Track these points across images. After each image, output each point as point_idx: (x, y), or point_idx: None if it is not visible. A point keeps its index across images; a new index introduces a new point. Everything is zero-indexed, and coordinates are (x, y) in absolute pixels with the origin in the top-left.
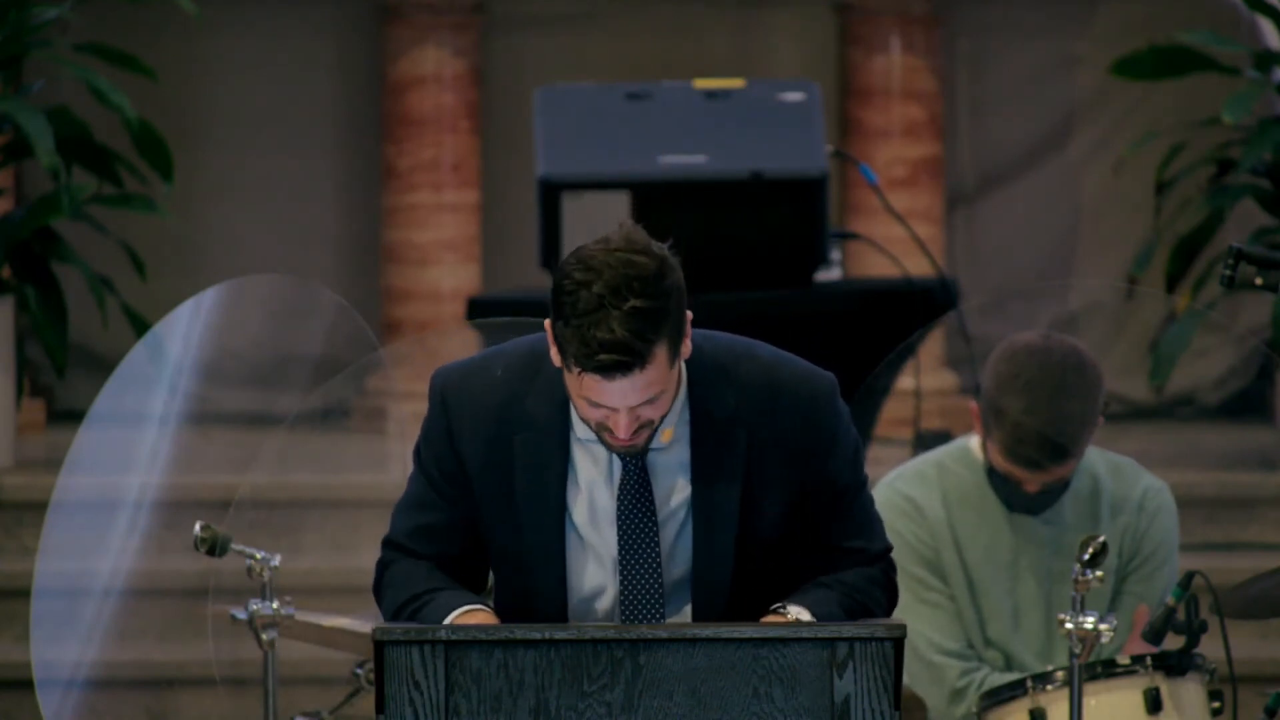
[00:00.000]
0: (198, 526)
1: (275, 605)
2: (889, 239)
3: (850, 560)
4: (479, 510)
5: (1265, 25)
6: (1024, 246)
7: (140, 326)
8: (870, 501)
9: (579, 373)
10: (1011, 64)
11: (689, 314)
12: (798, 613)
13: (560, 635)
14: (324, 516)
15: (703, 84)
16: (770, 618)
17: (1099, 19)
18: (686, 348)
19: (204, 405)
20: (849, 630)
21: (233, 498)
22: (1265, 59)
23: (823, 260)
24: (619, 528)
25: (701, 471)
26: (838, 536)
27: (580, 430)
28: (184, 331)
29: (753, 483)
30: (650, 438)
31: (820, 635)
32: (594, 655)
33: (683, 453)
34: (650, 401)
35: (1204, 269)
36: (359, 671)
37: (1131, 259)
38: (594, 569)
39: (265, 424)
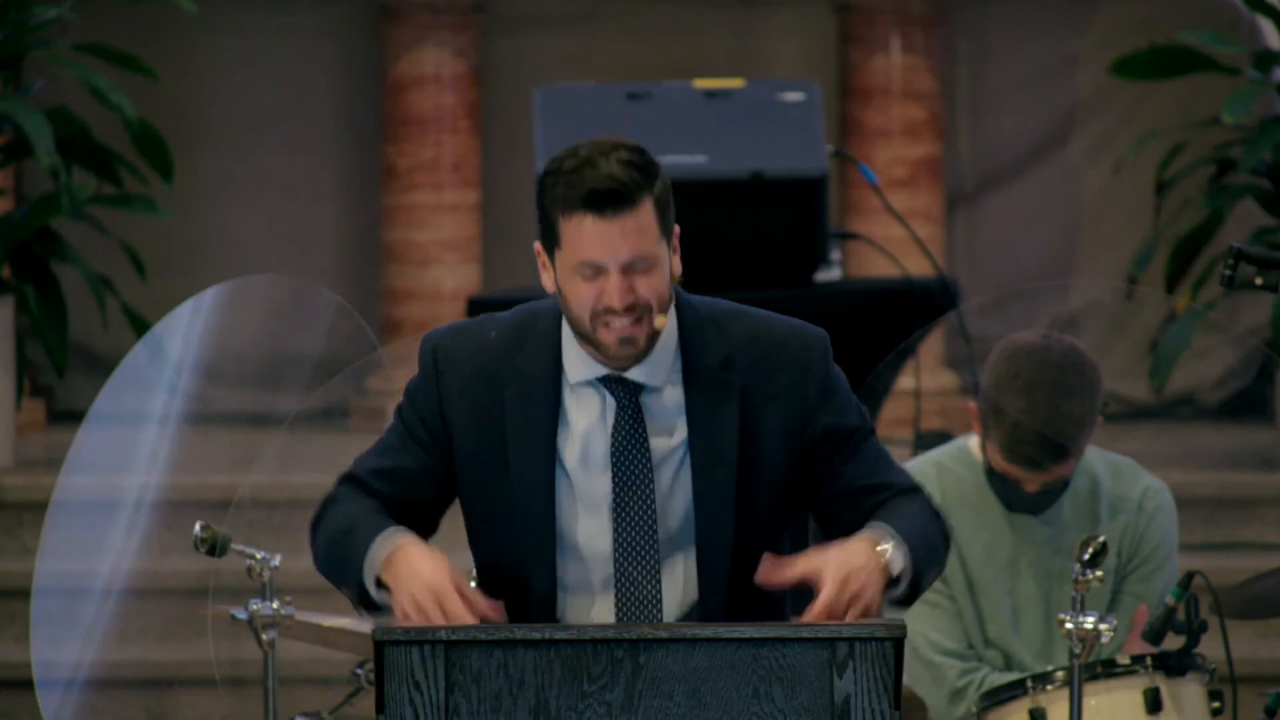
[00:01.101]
0: (198, 526)
1: (275, 605)
2: (889, 239)
3: (878, 498)
4: (461, 473)
5: (1265, 25)
6: (1024, 246)
7: (140, 326)
8: (883, 447)
9: (569, 219)
10: (1011, 64)
11: (676, 229)
12: (881, 534)
13: (560, 635)
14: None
15: (703, 84)
16: (860, 541)
17: (1099, 19)
18: (677, 263)
19: (204, 405)
20: (849, 630)
21: (233, 498)
22: (1265, 59)
23: (823, 260)
24: (613, 469)
25: (698, 416)
26: (859, 478)
27: (574, 374)
28: (184, 331)
29: (749, 431)
30: (649, 337)
31: (820, 635)
32: (594, 655)
33: (676, 396)
34: (642, 270)
35: (1204, 269)
36: (359, 671)
37: (1131, 259)
38: (586, 517)
39: (265, 424)
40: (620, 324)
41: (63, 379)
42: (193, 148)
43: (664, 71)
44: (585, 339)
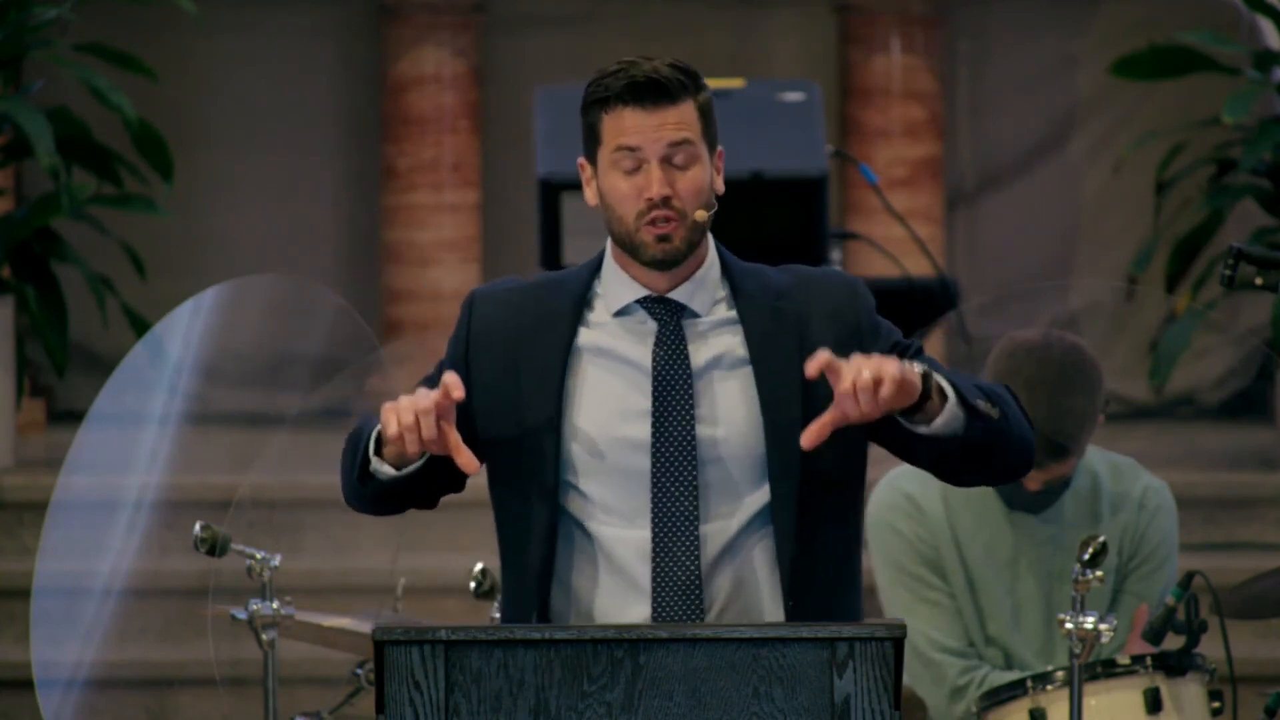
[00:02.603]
0: (198, 526)
1: (275, 605)
2: (889, 239)
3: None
4: (477, 401)
5: (1265, 25)
6: (1024, 246)
7: (140, 326)
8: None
9: (611, 112)
10: (1011, 64)
11: (720, 150)
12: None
13: (560, 635)
14: (324, 516)
15: None
16: (904, 369)
17: (1099, 19)
18: (719, 182)
19: (204, 405)
20: (849, 630)
21: (233, 498)
22: (1265, 59)
23: (823, 260)
24: (654, 376)
25: (754, 332)
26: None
27: (616, 300)
28: (184, 331)
29: (808, 353)
30: (687, 241)
31: (820, 635)
32: (594, 655)
33: (725, 315)
34: (681, 166)
35: (1204, 269)
36: (359, 671)
37: (1131, 259)
38: (624, 433)
39: (265, 424)
40: (660, 218)
41: (63, 379)
42: (193, 148)
43: None
44: (625, 244)
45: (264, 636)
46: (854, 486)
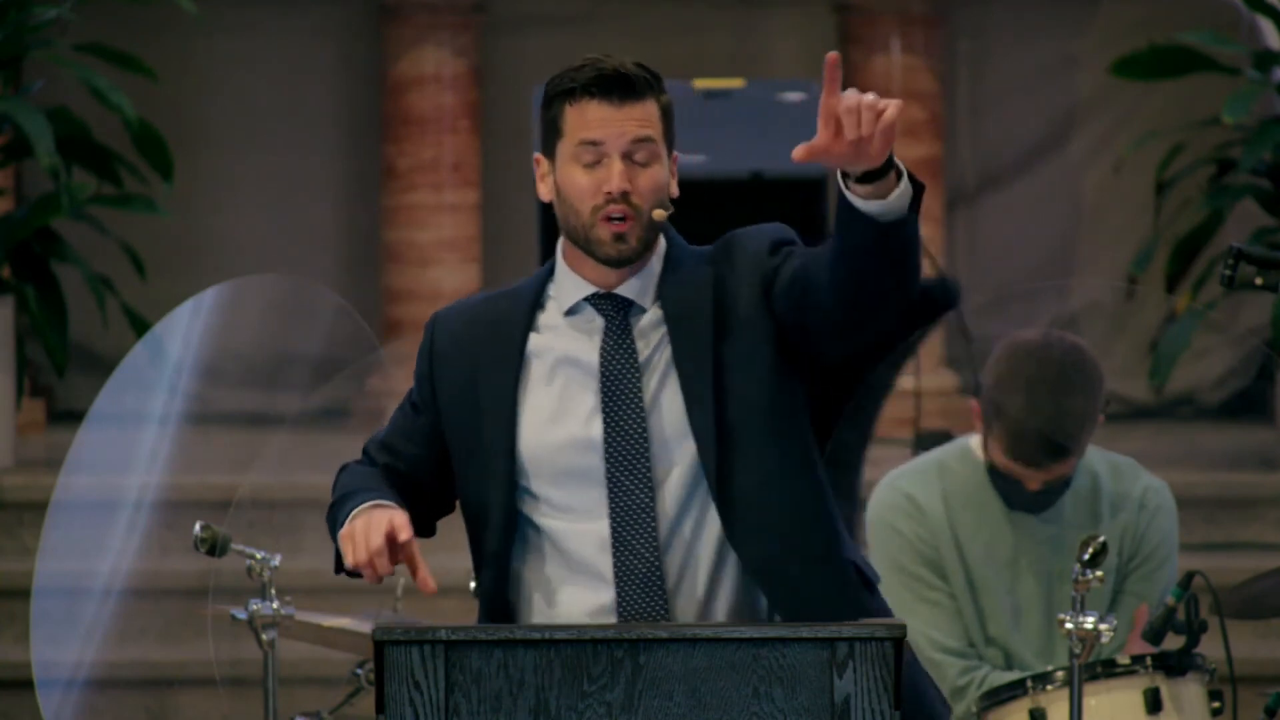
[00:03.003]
0: (198, 526)
1: (275, 605)
2: None
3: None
4: (444, 419)
5: (1265, 25)
6: (1024, 246)
7: (140, 326)
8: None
9: (575, 105)
10: (1011, 64)
11: (676, 155)
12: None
13: (560, 635)
14: (324, 516)
15: (703, 84)
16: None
17: (1099, 19)
18: (674, 185)
19: (204, 405)
20: (849, 630)
21: (233, 498)
22: (1265, 59)
23: None
24: (601, 372)
25: (676, 324)
26: (811, 261)
27: (566, 299)
28: (184, 331)
29: (721, 307)
30: (641, 240)
31: (820, 635)
32: (594, 655)
33: (660, 317)
34: (642, 163)
35: (1204, 269)
36: (359, 671)
37: (1131, 259)
38: (577, 434)
39: (265, 424)
40: (616, 214)
41: (63, 379)
42: (193, 148)
43: (664, 71)
44: (578, 239)
45: (264, 636)
46: (790, 430)
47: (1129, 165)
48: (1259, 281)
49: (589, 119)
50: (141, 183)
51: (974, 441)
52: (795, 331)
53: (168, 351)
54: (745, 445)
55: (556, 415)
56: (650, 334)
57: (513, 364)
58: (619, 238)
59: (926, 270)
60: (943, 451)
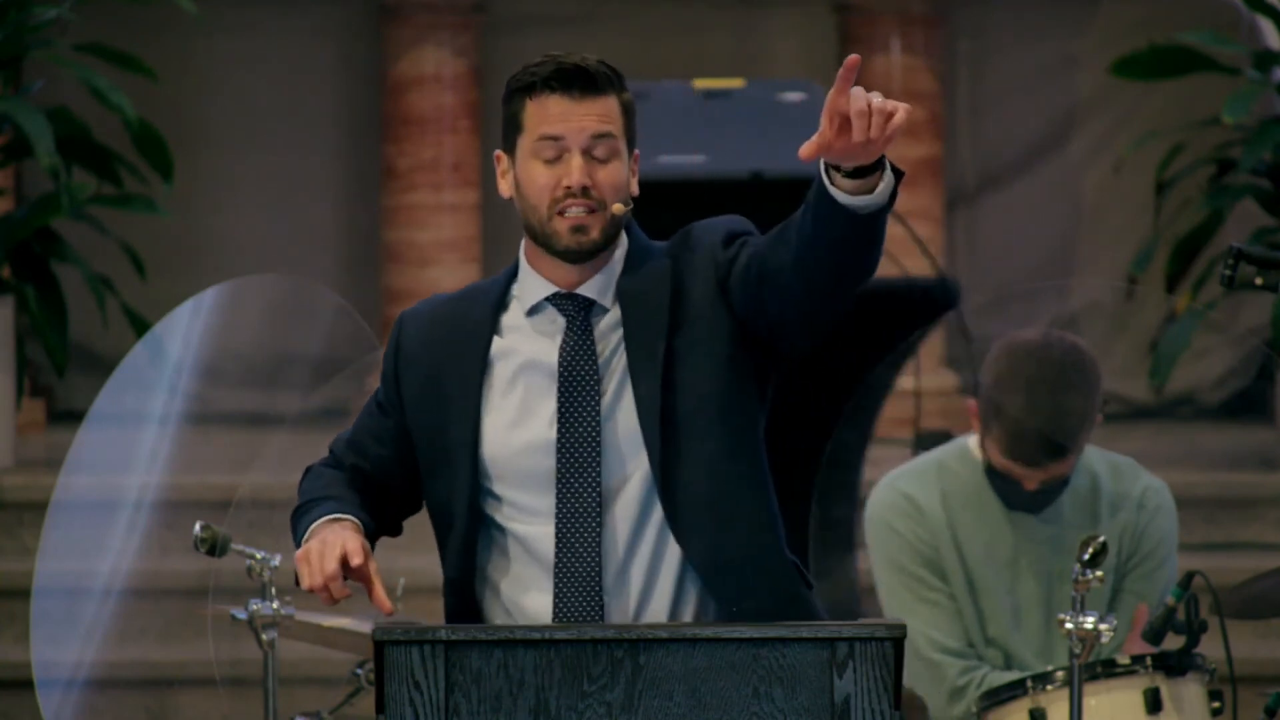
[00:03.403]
0: (198, 526)
1: (275, 605)
2: (889, 239)
3: (779, 235)
4: (410, 419)
5: (1265, 25)
6: (1024, 246)
7: (140, 326)
8: None
9: (535, 99)
10: (1011, 64)
11: (636, 153)
12: None
13: (560, 635)
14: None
15: (703, 84)
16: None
17: (1099, 19)
18: (634, 184)
19: (204, 405)
20: (849, 630)
21: (233, 498)
22: (1265, 59)
23: None
24: (560, 378)
25: (631, 319)
26: (768, 243)
27: (529, 297)
28: (184, 331)
29: (677, 319)
30: (604, 233)
31: (820, 635)
32: (594, 655)
33: (619, 317)
34: (601, 159)
35: (1204, 269)
36: (359, 671)
37: (1131, 259)
38: (533, 437)
39: (265, 424)
40: (575, 211)
41: (63, 379)
42: (193, 148)
43: (664, 71)
44: (538, 236)
45: (264, 636)
46: (738, 439)
47: (1129, 165)
48: (1259, 281)
49: (549, 113)
50: (141, 183)
51: (972, 441)
52: (753, 320)
53: (168, 351)
54: (693, 440)
55: (518, 419)
56: (610, 335)
57: (476, 367)
58: (578, 229)
59: (926, 270)
60: (942, 452)
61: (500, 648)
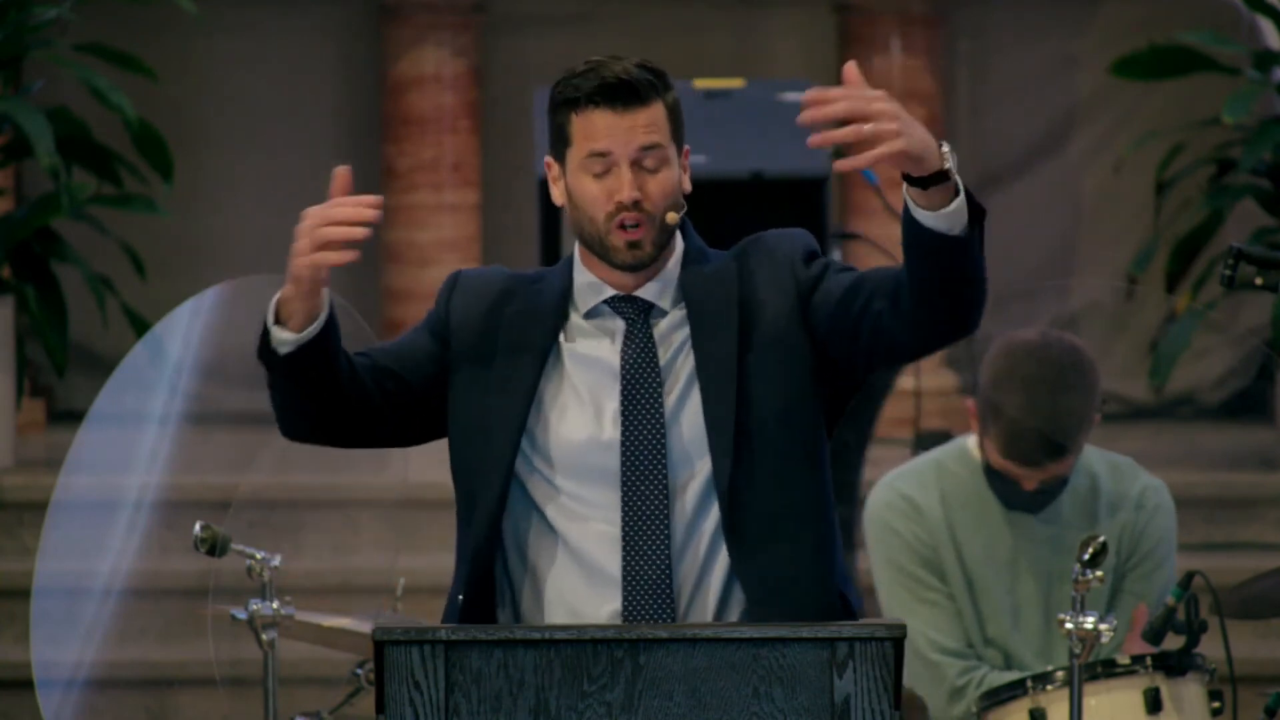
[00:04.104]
0: (198, 526)
1: (275, 605)
2: (889, 239)
3: (883, 277)
4: (453, 374)
5: (1265, 25)
6: (1024, 246)
7: (140, 326)
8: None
9: (581, 114)
10: (1011, 64)
11: (687, 149)
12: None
13: (560, 635)
14: (324, 516)
15: (703, 84)
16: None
17: (1099, 19)
18: (686, 180)
19: (204, 405)
20: (849, 630)
21: (233, 498)
22: (1265, 59)
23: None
24: (622, 383)
25: (700, 330)
26: (865, 281)
27: (585, 302)
28: (184, 331)
29: (748, 327)
30: (655, 244)
31: (820, 635)
32: (594, 655)
33: (681, 317)
34: (651, 170)
35: (1204, 269)
36: (359, 671)
37: (1131, 259)
38: (595, 437)
39: (265, 424)
40: (629, 220)
41: (63, 379)
42: (193, 148)
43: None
44: (593, 246)
45: (264, 636)
46: (805, 456)
47: (1129, 165)
48: (1259, 281)
49: (595, 129)
50: (141, 183)
51: (971, 442)
52: (836, 344)
53: (168, 351)
54: (761, 453)
55: (579, 414)
56: (671, 337)
57: (538, 350)
58: (633, 244)
59: None
60: (940, 452)
61: (500, 648)
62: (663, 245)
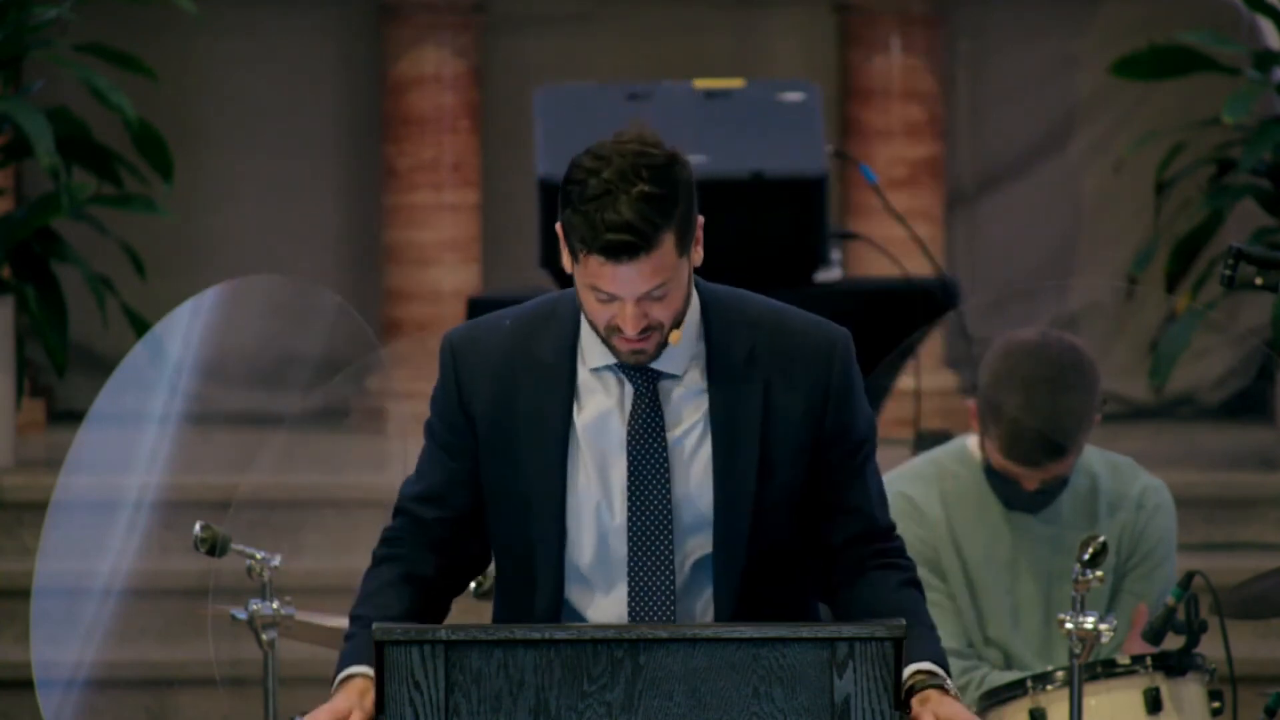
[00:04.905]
0: (198, 526)
1: (275, 605)
2: (889, 239)
3: (856, 525)
4: (481, 461)
5: (1265, 25)
6: (1024, 246)
7: (140, 326)
8: (879, 470)
9: (586, 256)
10: (1011, 64)
11: (700, 219)
12: (941, 679)
13: (560, 635)
14: (324, 516)
15: (703, 84)
16: (951, 701)
17: (1099, 19)
18: (697, 255)
19: (204, 405)
20: (849, 630)
21: (233, 498)
22: (1265, 59)
23: (823, 260)
24: (629, 456)
25: (720, 405)
26: (850, 498)
27: (592, 359)
28: (184, 331)
29: (770, 421)
30: (660, 345)
31: (820, 635)
32: (594, 655)
33: (697, 382)
34: (658, 298)
35: (1204, 269)
36: None
37: (1131, 259)
38: (602, 503)
39: (265, 424)
40: (632, 338)
41: (63, 379)
42: (193, 148)
43: (664, 71)
44: (597, 334)
45: (264, 636)
46: (802, 554)
47: (1129, 165)
48: (1259, 281)
49: (599, 275)
50: (141, 183)
51: (971, 442)
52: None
53: (168, 351)
54: (768, 532)
55: (589, 493)
56: (685, 404)
57: (559, 416)
58: (635, 353)
59: (926, 270)
60: (940, 452)
61: (500, 648)
62: (666, 345)
